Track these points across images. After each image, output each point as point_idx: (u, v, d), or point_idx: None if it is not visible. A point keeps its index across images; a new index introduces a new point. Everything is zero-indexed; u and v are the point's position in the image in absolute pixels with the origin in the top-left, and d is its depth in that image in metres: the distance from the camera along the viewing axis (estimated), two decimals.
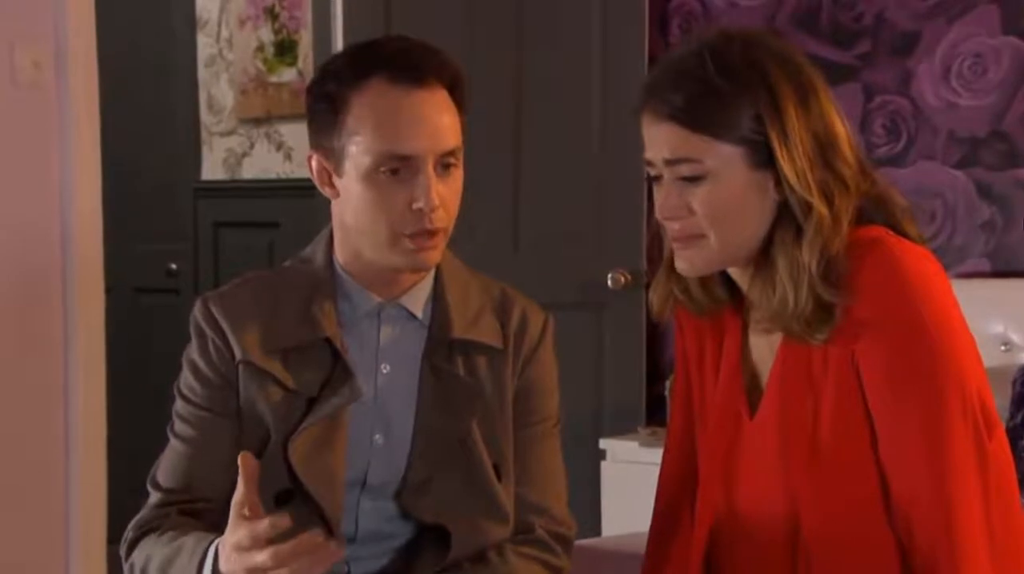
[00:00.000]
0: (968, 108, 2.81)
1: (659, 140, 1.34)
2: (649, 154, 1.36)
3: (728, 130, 1.31)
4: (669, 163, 1.34)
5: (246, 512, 1.28)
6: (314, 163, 1.49)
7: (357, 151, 1.43)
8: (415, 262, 1.47)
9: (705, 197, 1.33)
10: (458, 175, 1.47)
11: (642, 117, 1.36)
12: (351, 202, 1.46)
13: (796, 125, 1.31)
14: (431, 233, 1.44)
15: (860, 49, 2.92)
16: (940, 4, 2.83)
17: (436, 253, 1.47)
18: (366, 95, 1.43)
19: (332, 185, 1.48)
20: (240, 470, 1.29)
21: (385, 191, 1.43)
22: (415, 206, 1.43)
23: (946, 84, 2.83)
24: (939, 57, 2.83)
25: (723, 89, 1.31)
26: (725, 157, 1.32)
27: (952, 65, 2.82)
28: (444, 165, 1.45)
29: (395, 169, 1.42)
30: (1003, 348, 2.58)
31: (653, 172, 1.37)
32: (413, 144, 1.42)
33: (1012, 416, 2.33)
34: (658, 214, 1.37)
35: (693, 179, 1.33)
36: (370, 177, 1.43)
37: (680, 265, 1.38)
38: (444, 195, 1.44)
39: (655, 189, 1.38)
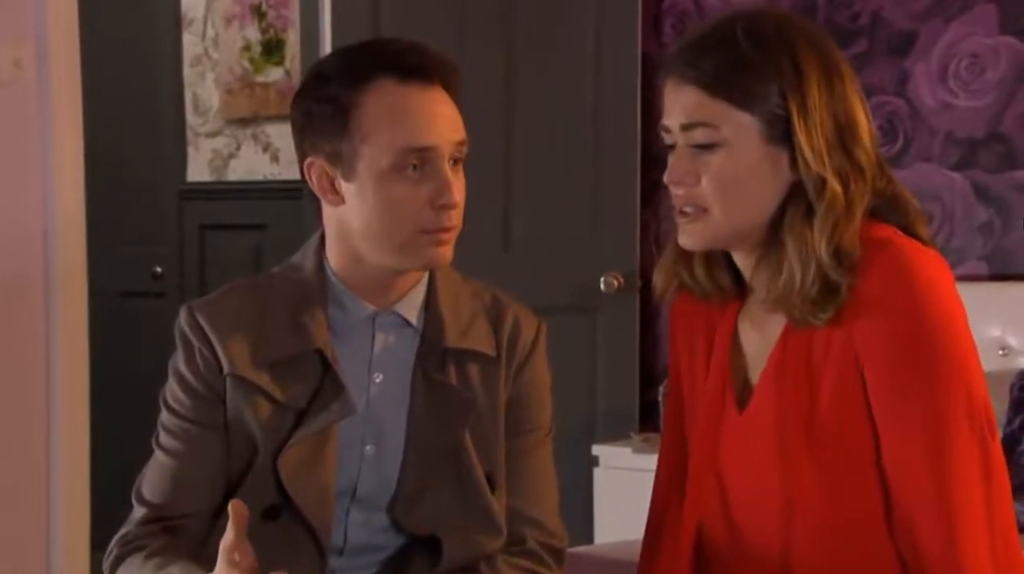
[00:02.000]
0: (965, 109, 2.82)
1: (679, 105, 1.35)
2: (667, 120, 1.36)
3: (749, 99, 1.32)
4: (685, 128, 1.34)
5: (236, 557, 1.28)
6: (314, 170, 1.47)
7: (372, 152, 1.43)
8: (429, 259, 1.47)
9: (716, 166, 1.33)
10: (463, 174, 1.48)
11: (666, 83, 1.37)
12: (363, 205, 1.45)
13: (818, 103, 1.32)
14: (447, 229, 1.45)
15: (856, 49, 2.92)
16: (937, 3, 2.83)
17: (450, 250, 1.47)
18: (376, 95, 1.43)
19: (336, 191, 1.47)
20: (231, 518, 1.29)
21: (404, 189, 1.43)
22: (439, 202, 1.43)
23: (943, 85, 2.83)
24: (936, 57, 2.84)
25: (750, 57, 1.32)
26: (742, 127, 1.32)
27: (949, 65, 2.82)
28: (454, 160, 1.46)
29: (415, 165, 1.43)
30: (1001, 352, 2.58)
31: (669, 140, 1.37)
32: (431, 134, 1.43)
33: (1009, 421, 2.34)
34: (666, 178, 1.37)
35: (707, 147, 1.33)
36: (388, 176, 1.43)
37: (683, 239, 1.38)
38: (459, 191, 1.46)
39: (669, 157, 1.38)
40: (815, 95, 1.32)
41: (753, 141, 1.33)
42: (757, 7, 1.39)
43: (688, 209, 1.36)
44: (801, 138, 1.31)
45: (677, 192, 1.36)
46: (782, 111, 1.32)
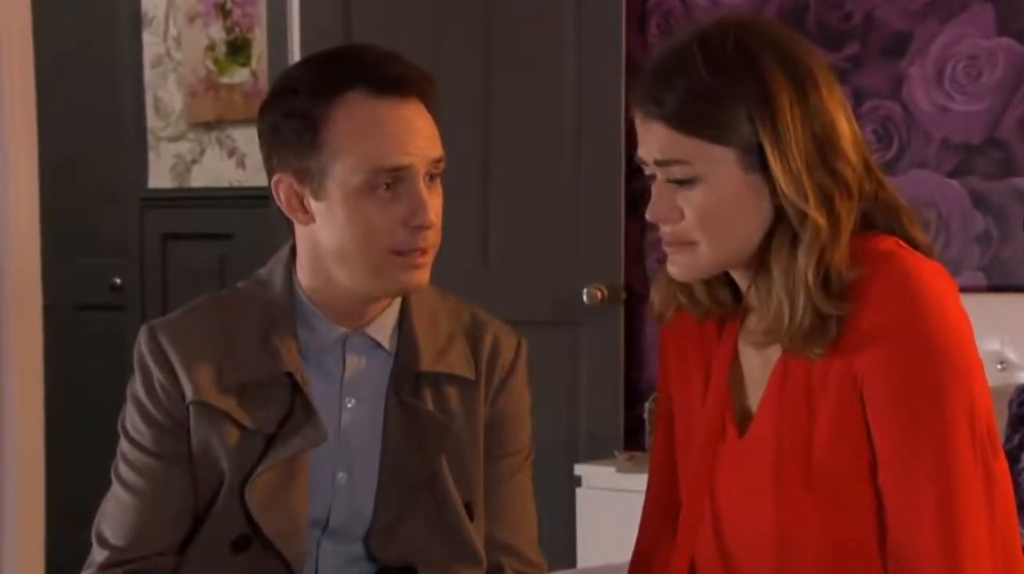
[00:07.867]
0: (962, 113, 2.83)
1: (649, 140, 1.34)
2: (641, 152, 1.36)
3: (719, 132, 1.31)
4: (659, 164, 1.34)
5: None
6: (283, 188, 1.47)
7: (343, 170, 1.42)
8: (404, 285, 1.46)
9: (697, 201, 1.33)
10: (440, 189, 1.48)
11: (635, 115, 1.36)
12: (333, 225, 1.44)
13: (791, 124, 1.30)
14: (423, 251, 1.45)
15: (849, 51, 2.94)
16: (932, 3, 2.85)
17: (426, 272, 1.47)
18: (346, 110, 1.42)
19: (305, 210, 1.46)
20: None
21: (376, 209, 1.42)
22: (413, 223, 1.43)
23: (939, 88, 2.85)
24: (932, 59, 2.85)
25: (713, 88, 1.31)
26: (717, 160, 1.32)
27: (945, 68, 2.84)
28: (431, 177, 1.45)
29: (387, 184, 1.42)
30: (1000, 367, 2.60)
31: (647, 171, 1.37)
32: (406, 153, 1.42)
33: (1008, 438, 2.36)
34: (648, 216, 1.37)
35: (685, 182, 1.33)
36: (360, 196, 1.42)
37: (671, 270, 1.38)
38: (436, 209, 1.45)
39: (653, 188, 1.38)
40: (787, 116, 1.30)
41: (731, 172, 1.32)
42: (717, 20, 1.36)
43: (675, 243, 1.36)
44: (776, 168, 1.30)
45: (664, 229, 1.36)
46: (755, 138, 1.31)
